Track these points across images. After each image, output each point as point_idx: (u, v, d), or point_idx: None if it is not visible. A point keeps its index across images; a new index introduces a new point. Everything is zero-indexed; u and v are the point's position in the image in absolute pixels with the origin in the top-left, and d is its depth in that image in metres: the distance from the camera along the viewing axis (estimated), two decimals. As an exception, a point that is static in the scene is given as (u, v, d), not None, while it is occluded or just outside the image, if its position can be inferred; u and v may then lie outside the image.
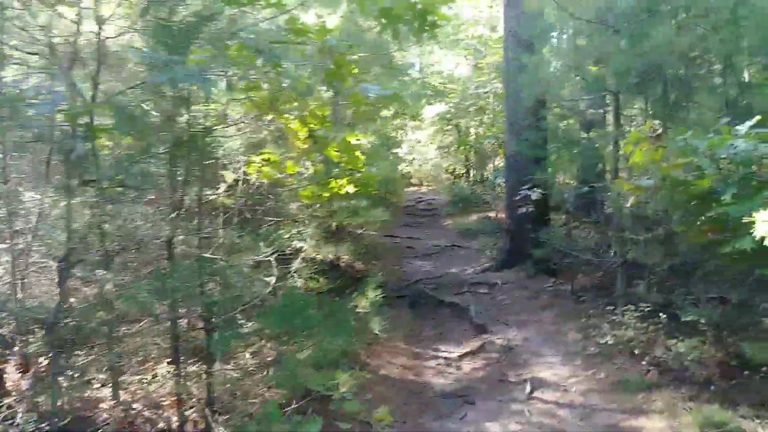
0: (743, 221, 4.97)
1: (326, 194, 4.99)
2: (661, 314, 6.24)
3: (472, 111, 16.40)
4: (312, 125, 4.75)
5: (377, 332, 5.68)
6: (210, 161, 5.61)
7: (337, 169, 4.89)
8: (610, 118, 9.57)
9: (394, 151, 22.05)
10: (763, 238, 3.82)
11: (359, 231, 9.17)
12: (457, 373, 6.75)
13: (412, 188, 26.25)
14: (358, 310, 5.26)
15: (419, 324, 8.43)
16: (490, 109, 14.94)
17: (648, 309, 6.21)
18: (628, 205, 4.89)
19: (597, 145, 8.46)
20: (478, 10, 15.74)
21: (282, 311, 4.37)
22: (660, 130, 4.61)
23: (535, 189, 9.07)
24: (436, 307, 8.94)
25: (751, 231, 4.71)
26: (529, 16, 8.55)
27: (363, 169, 4.81)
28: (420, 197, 22.08)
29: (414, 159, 24.91)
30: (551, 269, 9.14)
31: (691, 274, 6.19)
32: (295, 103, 4.78)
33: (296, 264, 5.41)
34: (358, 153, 4.65)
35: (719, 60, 5.99)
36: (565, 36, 8.62)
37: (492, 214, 14.21)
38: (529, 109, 8.93)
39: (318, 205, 6.82)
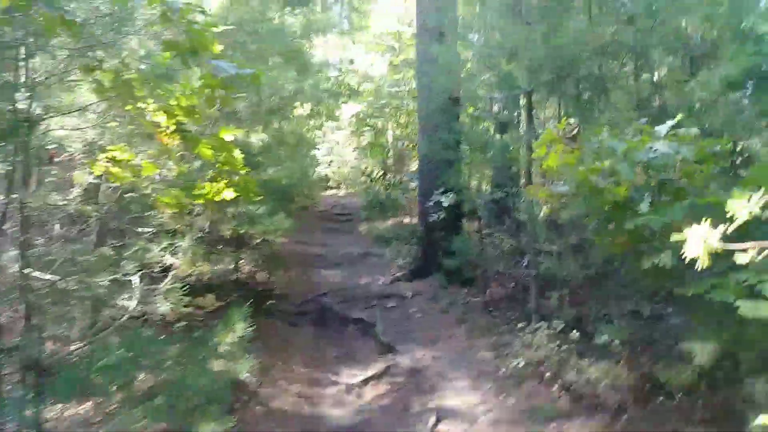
0: (663, 233, 4.53)
1: (199, 200, 4.09)
2: (574, 331, 5.74)
3: (388, 111, 15.77)
4: (180, 118, 3.84)
5: (242, 377, 4.80)
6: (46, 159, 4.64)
7: (211, 171, 4.01)
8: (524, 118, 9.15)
9: (312, 152, 21.19)
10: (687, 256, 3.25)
11: (262, 240, 8.25)
12: (357, 402, 6.00)
13: (330, 191, 25.42)
14: (222, 347, 4.38)
15: (322, 344, 7.63)
16: (405, 108, 14.33)
17: (560, 327, 5.69)
18: (542, 213, 4.30)
19: (510, 148, 7.99)
20: (393, 3, 15.09)
21: (119, 354, 3.47)
22: (576, 130, 4.08)
23: (447, 194, 8.49)
24: (341, 324, 8.17)
25: (672, 244, 4.27)
26: (441, 7, 7.95)
27: (243, 171, 3.94)
28: (337, 201, 21.28)
29: (332, 161, 24.08)
30: (464, 279, 8.57)
31: (605, 287, 5.73)
32: (158, 90, 3.88)
33: (166, 284, 4.47)
34: (235, 152, 3.79)
35: (633, 57, 5.56)
36: (478, 30, 8.07)
37: (407, 220, 13.61)
38: (440, 107, 8.33)
39: (197, 214, 5.89)
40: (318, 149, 22.67)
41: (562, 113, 7.59)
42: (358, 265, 11.04)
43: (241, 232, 7.22)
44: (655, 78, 5.50)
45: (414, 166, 15.89)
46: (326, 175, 25.42)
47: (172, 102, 3.52)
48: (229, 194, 4.01)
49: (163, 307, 4.18)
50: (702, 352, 3.71)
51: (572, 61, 6.10)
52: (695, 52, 5.22)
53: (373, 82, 16.50)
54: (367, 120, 18.11)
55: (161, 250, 4.50)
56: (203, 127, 4.46)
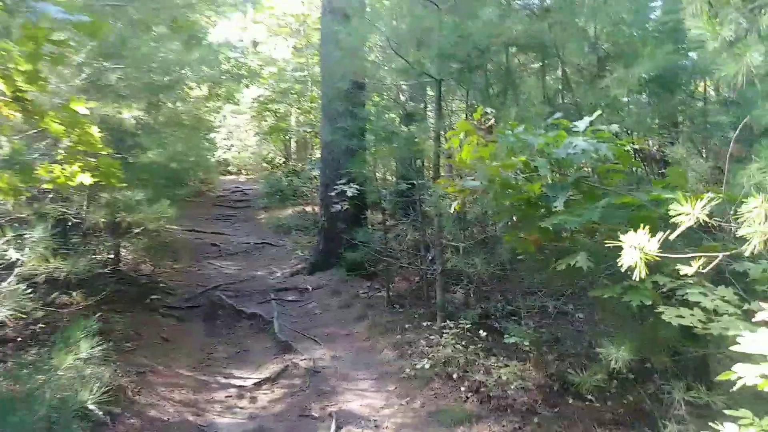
0: (576, 232, 4.35)
1: (46, 185, 3.37)
2: (481, 331, 5.52)
3: (292, 96, 15.07)
4: (21, 84, 3.10)
5: (89, 408, 4.11)
6: None
7: (62, 151, 3.30)
8: (432, 108, 8.89)
9: (209, 135, 19.98)
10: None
11: (143, 229, 7.40)
12: (250, 407, 5.46)
13: (230, 177, 24.29)
14: (62, 370, 3.68)
15: (212, 343, 6.97)
16: (309, 94, 13.70)
17: (468, 325, 5.44)
18: (452, 209, 3.97)
19: (416, 139, 7.69)
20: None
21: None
22: (492, 121, 3.77)
23: (350, 184, 8.05)
24: (234, 321, 7.54)
25: (587, 245, 4.10)
26: (348, -12, 7.47)
27: (103, 151, 3.27)
28: (237, 187, 20.31)
29: (233, 145, 22.96)
30: (367, 273, 8.21)
31: (512, 284, 5.55)
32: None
33: (6, 285, 3.68)
34: (92, 129, 3.11)
35: (543, 51, 5.37)
36: (386, 15, 7.65)
37: (309, 209, 13.06)
38: (345, 93, 7.85)
39: (47, 200, 5.04)
40: (217, 132, 21.54)
41: (471, 105, 7.37)
42: (255, 257, 10.38)
43: (116, 220, 6.38)
44: (568, 73, 5.35)
45: (317, 153, 15.33)
46: (226, 159, 24.29)
47: (10, 65, 2.81)
48: (85, 179, 3.33)
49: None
50: (615, 354, 3.55)
51: (482, 52, 5.86)
52: (605, 51, 5.10)
53: (275, 66, 15.70)
54: (269, 105, 17.28)
55: (4, 243, 3.70)
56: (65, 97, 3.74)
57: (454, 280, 6.77)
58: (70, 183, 3.39)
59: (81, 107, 3.09)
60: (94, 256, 6.55)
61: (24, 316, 3.84)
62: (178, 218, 12.75)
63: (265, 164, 18.99)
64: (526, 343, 4.88)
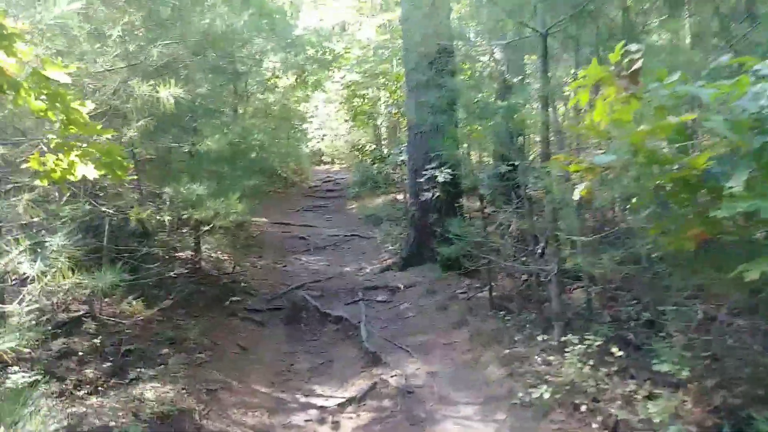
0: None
1: (41, 181, 2.53)
2: (613, 347, 4.24)
3: (378, 77, 14.07)
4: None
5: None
6: None
7: (52, 136, 2.45)
8: (532, 78, 7.56)
9: (302, 126, 19.49)
10: None
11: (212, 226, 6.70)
12: (332, 436, 4.55)
13: (323, 166, 23.89)
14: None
15: (294, 349, 6.16)
16: (394, 73, 12.60)
17: (597, 342, 4.18)
18: (577, 195, 2.77)
19: (517, 112, 6.44)
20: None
21: None
22: (639, 63, 2.53)
23: (442, 168, 6.94)
24: (319, 324, 6.70)
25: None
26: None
27: (95, 134, 2.37)
28: (329, 176, 19.77)
29: (325, 135, 22.46)
30: (465, 270, 7.05)
31: (651, 286, 4.22)
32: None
33: (13, 307, 2.93)
34: (76, 104, 2.21)
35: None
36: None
37: (401, 197, 12.05)
38: (429, 60, 6.69)
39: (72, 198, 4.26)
40: (309, 123, 21.08)
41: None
42: (343, 250, 9.53)
43: (182, 217, 5.63)
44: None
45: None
46: (319, 150, 23.88)
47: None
48: (89, 171, 2.45)
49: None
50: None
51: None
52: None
53: (360, 47, 14.74)
54: (357, 89, 16.40)
55: (20, 253, 2.93)
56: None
57: (571, 279, 5.49)
58: (70, 177, 2.53)
59: (58, 72, 2.20)
60: (154, 262, 5.86)
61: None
62: (269, 211, 12.26)
63: (356, 152, 18.20)
64: (685, 373, 3.56)
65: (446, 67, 7.01)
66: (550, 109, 4.97)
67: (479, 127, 6.85)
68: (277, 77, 15.10)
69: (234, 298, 6.92)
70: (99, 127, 2.49)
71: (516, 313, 5.68)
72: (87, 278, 3.16)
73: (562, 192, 3.78)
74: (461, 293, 6.73)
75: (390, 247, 8.86)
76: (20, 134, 2.86)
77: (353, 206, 13.35)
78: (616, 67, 2.66)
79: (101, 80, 4.14)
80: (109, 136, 2.53)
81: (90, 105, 2.41)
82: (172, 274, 5.62)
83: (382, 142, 17.57)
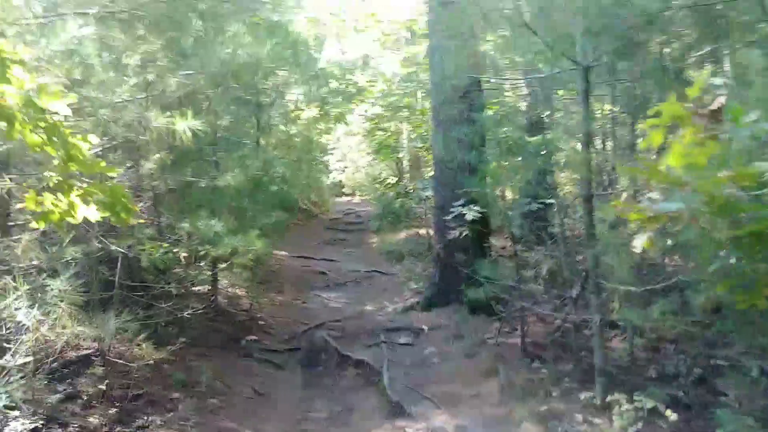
0: None
1: (39, 223, 2.24)
2: (665, 409, 3.80)
3: (401, 110, 13.87)
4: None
5: None
6: None
7: (52, 174, 2.17)
8: (562, 113, 7.22)
9: (323, 157, 19.34)
10: None
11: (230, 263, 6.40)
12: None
13: (344, 198, 23.71)
14: None
15: (311, 395, 5.77)
16: (418, 108, 12.38)
17: (649, 404, 3.74)
18: (639, 246, 2.39)
19: (545, 150, 6.12)
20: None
21: None
22: (722, 99, 2.21)
23: (470, 206, 6.59)
24: (339, 367, 6.31)
25: None
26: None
27: (97, 171, 2.07)
28: (350, 209, 19.54)
29: (346, 167, 22.33)
30: (493, 312, 6.64)
31: (711, 345, 3.79)
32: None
33: (3, 362, 2.62)
34: (77, 139, 1.92)
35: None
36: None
37: (423, 231, 11.69)
38: (458, 95, 6.42)
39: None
40: (331, 154, 20.95)
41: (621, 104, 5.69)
42: (364, 286, 9.16)
43: (200, 254, 5.35)
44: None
45: (430, 171, 13.96)
46: (340, 181, 23.72)
47: None
48: (91, 213, 2.16)
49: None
50: None
51: (649, 23, 4.21)
52: None
53: (383, 80, 14.60)
54: (379, 122, 16.25)
55: (17, 299, 2.63)
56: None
57: (610, 327, 5.07)
58: (70, 219, 2.23)
59: (57, 103, 1.92)
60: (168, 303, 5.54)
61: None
62: (289, 244, 11.98)
63: (377, 185, 17.96)
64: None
65: (476, 102, 6.73)
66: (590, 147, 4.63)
67: (507, 164, 6.54)
68: (300, 109, 15.01)
69: (250, 338, 6.58)
70: (103, 164, 2.21)
71: (551, 362, 5.25)
72: (89, 327, 2.85)
73: (610, 237, 3.41)
74: (490, 338, 6.30)
75: (413, 286, 8.47)
76: (20, 170, 2.60)
77: (374, 240, 13.01)
78: (695, 103, 2.33)
79: (119, 111, 3.90)
80: (113, 174, 2.23)
81: (94, 139, 2.13)
82: (186, 314, 5.28)
83: (404, 175, 17.31)
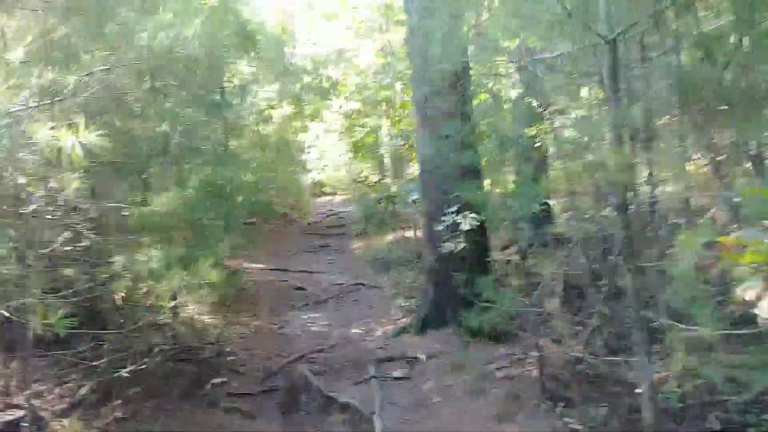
0: None
1: None
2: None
3: (379, 105, 12.80)
4: None
5: None
6: None
7: None
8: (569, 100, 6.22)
9: (301, 157, 18.19)
10: None
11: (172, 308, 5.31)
12: None
13: (325, 198, 22.63)
14: None
15: (290, 454, 4.73)
16: (397, 101, 11.29)
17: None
18: (750, 294, 1.38)
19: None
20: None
21: None
22: None
23: (466, 212, 5.58)
24: (322, 412, 5.26)
25: None
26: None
27: None
28: (330, 209, 18.46)
29: (325, 165, 21.21)
30: (498, 333, 5.65)
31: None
32: None
33: None
34: None
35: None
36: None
37: (410, 234, 10.67)
38: (445, 80, 5.38)
39: None
40: (309, 153, 19.80)
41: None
42: (348, 304, 8.11)
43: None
44: None
45: (413, 168, 12.90)
46: (320, 180, 22.63)
47: None
48: None
49: None
50: None
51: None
52: None
53: (357, 73, 13.48)
54: (357, 118, 15.16)
55: None
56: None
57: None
58: None
59: None
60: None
61: None
62: (265, 254, 10.88)
63: (358, 184, 16.88)
64: None
65: (467, 92, 5.71)
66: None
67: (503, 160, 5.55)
68: (272, 107, 13.86)
69: (217, 380, 5.49)
70: None
71: (579, 404, 4.25)
72: None
73: (687, 271, 2.41)
74: (498, 369, 5.30)
75: (403, 304, 7.42)
76: None
77: (357, 246, 11.96)
78: None
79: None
80: None
81: None
82: (124, 373, 4.19)
83: (385, 173, 16.24)
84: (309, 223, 15.36)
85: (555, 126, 4.80)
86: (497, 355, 5.50)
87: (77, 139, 2.40)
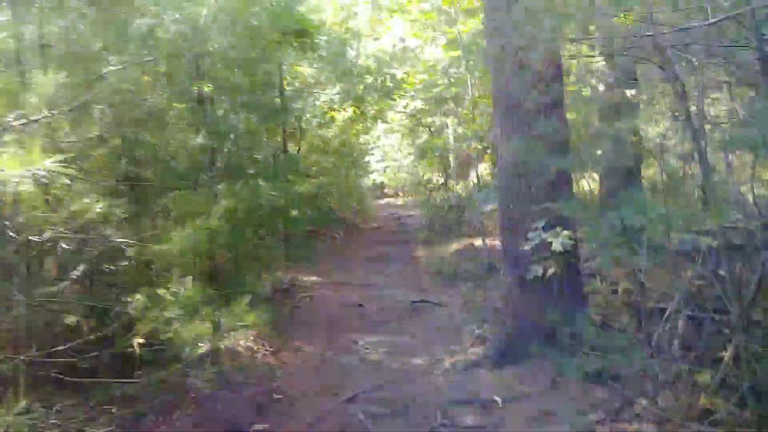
0: None
1: None
2: None
3: (447, 102, 11.75)
4: None
5: None
6: None
7: None
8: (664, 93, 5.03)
9: (363, 160, 17.41)
10: None
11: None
12: None
13: (386, 199, 21.90)
14: None
15: None
16: (468, 98, 10.20)
17: None
18: None
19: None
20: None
21: None
22: None
23: (558, 230, 4.51)
24: (381, 472, 4.32)
25: None
26: None
27: None
28: (393, 212, 17.67)
29: (387, 167, 20.40)
30: (601, 371, 4.52)
31: None
32: None
33: None
34: None
35: None
36: None
37: (478, 242, 9.61)
38: (535, 72, 4.34)
39: None
40: (371, 154, 19.06)
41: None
42: (411, 326, 7.12)
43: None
44: None
45: (481, 172, 11.77)
46: (382, 182, 21.93)
47: None
48: None
49: None
50: None
51: None
52: None
53: (423, 68, 12.49)
54: (422, 117, 14.17)
55: None
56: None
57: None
58: None
59: None
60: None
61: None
62: (324, 264, 10.10)
63: (422, 187, 15.90)
64: None
65: (558, 88, 4.63)
66: None
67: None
68: (333, 110, 13.09)
69: (259, 428, 4.65)
70: None
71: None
72: None
73: None
74: (600, 421, 4.19)
75: (475, 330, 6.37)
76: None
77: (421, 254, 11.00)
78: None
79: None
80: None
81: None
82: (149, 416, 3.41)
83: (449, 174, 15.10)
84: (371, 229, 14.57)
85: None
86: (596, 398, 4.39)
87: (26, 169, 1.57)
